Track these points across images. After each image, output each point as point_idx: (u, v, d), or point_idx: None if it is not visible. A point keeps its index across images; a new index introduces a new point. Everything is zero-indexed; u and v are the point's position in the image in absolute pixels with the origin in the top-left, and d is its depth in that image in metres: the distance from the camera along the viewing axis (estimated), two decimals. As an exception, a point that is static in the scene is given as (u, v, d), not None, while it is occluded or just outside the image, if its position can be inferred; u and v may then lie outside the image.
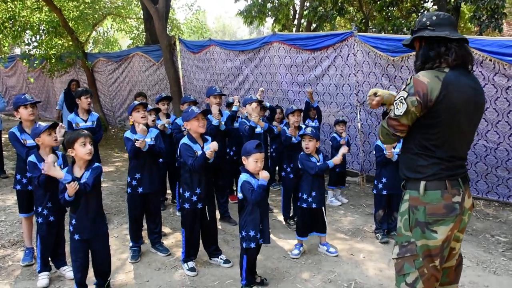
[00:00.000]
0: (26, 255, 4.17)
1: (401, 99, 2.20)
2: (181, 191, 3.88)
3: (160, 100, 5.46)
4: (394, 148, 4.49)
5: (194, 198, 3.80)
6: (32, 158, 3.50)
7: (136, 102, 4.15)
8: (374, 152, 4.80)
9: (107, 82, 11.44)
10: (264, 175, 3.35)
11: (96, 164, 3.30)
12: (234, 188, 6.06)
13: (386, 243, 4.59)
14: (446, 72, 2.18)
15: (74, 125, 4.83)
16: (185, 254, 3.96)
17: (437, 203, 2.17)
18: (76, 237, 3.24)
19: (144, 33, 11.99)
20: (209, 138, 3.94)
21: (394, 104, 2.25)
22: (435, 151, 2.20)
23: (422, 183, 2.21)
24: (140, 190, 4.13)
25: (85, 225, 3.23)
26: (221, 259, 4.09)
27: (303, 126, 4.92)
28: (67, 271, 3.82)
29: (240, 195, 3.47)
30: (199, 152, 3.71)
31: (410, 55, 5.47)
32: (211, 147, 3.66)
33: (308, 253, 4.37)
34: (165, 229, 4.94)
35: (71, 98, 8.14)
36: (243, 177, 3.43)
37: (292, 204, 5.17)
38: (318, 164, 4.20)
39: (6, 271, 3.99)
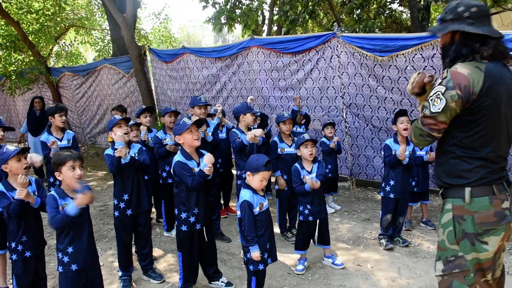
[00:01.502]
0: None
1: (438, 94, 1.96)
2: (176, 212, 3.53)
3: (141, 113, 5.07)
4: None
5: (192, 219, 3.46)
6: None
7: (117, 117, 3.77)
8: (382, 153, 4.58)
9: (74, 98, 10.84)
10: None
11: (84, 184, 2.94)
12: (221, 202, 5.75)
13: (391, 249, 4.39)
14: (485, 62, 1.96)
15: (48, 145, 4.40)
16: (183, 281, 3.61)
17: (486, 211, 1.94)
18: (73, 267, 2.90)
19: (111, 44, 11.47)
20: (204, 152, 3.61)
21: (430, 100, 2.00)
22: (481, 151, 1.97)
23: (468, 190, 1.97)
24: (129, 212, 3.76)
25: (83, 252, 2.93)
26: (222, 282, 3.77)
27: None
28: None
29: (239, 213, 3.19)
30: (196, 169, 3.38)
31: (399, 54, 5.35)
32: (207, 162, 3.35)
33: (312, 267, 4.12)
34: (155, 252, 4.54)
35: (35, 119, 7.37)
36: (245, 195, 3.16)
37: (287, 216, 4.90)
38: (299, 184, 3.94)
39: (-22, 317, 3.51)
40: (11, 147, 3.19)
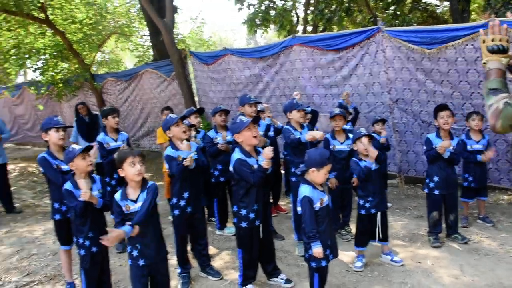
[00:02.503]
0: None
1: None
2: (235, 209, 3.57)
3: (192, 114, 5.14)
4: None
5: (252, 215, 3.48)
6: (68, 185, 3.24)
7: (172, 116, 3.85)
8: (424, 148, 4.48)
9: (118, 102, 11.13)
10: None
11: (150, 182, 3.07)
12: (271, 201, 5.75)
13: (438, 247, 4.27)
14: None
15: (105, 146, 4.57)
16: (243, 277, 3.65)
17: None
18: (141, 262, 3.00)
19: (150, 50, 11.71)
20: (261, 149, 3.63)
21: None
22: None
23: None
24: (189, 209, 3.83)
25: (151, 249, 3.04)
26: (281, 279, 3.77)
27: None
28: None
29: (299, 209, 3.17)
30: (255, 166, 3.40)
31: (448, 46, 5.19)
32: (265, 155, 3.37)
33: (370, 264, 4.07)
34: (209, 251, 4.59)
35: (84, 123, 7.24)
36: (305, 190, 3.14)
37: (341, 213, 4.86)
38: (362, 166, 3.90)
39: (50, 311, 3.65)
40: (77, 147, 3.31)
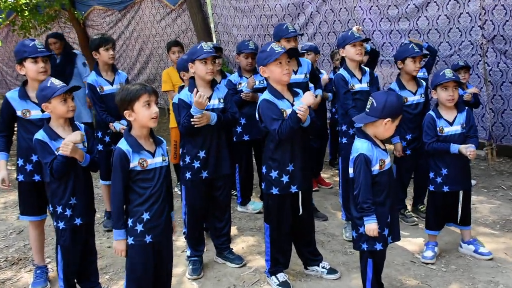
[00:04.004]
0: (37, 277, 3.95)
1: None
2: (264, 170, 3.59)
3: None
4: None
5: (285, 178, 3.50)
6: (40, 135, 3.25)
7: (205, 47, 3.75)
8: None
9: (108, 40, 11.25)
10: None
11: (158, 137, 3.12)
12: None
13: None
14: None
15: (98, 89, 4.60)
16: (271, 263, 3.70)
17: None
18: (148, 239, 3.02)
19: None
20: (299, 91, 3.58)
21: None
22: None
23: None
24: (204, 174, 3.86)
25: (160, 221, 3.04)
26: (323, 268, 3.81)
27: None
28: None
29: (351, 171, 3.18)
30: (288, 111, 3.39)
31: None
32: (305, 100, 3.34)
33: (445, 256, 4.07)
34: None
35: (55, 67, 6.06)
36: (361, 146, 3.12)
37: (413, 188, 4.91)
38: (434, 140, 3.86)
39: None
40: (57, 82, 3.32)
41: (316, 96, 3.82)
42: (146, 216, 2.97)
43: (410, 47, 4.47)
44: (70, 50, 6.89)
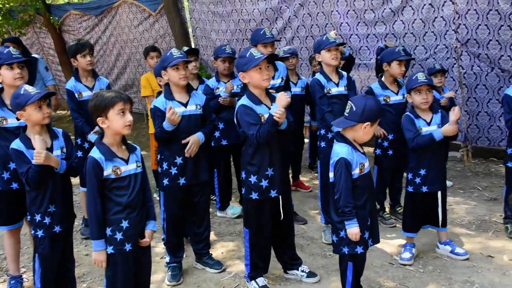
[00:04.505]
0: (11, 287, 3.91)
1: None
2: (243, 176, 3.60)
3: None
4: None
5: (265, 183, 3.51)
6: (16, 144, 3.21)
7: (175, 53, 3.77)
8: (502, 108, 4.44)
9: (84, 45, 11.17)
10: None
11: (131, 144, 3.12)
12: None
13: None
14: None
15: (76, 95, 4.55)
16: (250, 267, 3.70)
17: None
18: (128, 247, 3.00)
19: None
20: (276, 95, 3.61)
21: None
22: None
23: None
24: (182, 181, 3.86)
25: (139, 228, 3.04)
26: (302, 271, 3.83)
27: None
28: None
29: (331, 175, 3.19)
30: (266, 116, 3.40)
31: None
32: (279, 102, 3.36)
33: (423, 257, 4.12)
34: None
35: None
36: (341, 150, 3.14)
37: (390, 191, 4.96)
38: (422, 132, 3.90)
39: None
40: (30, 89, 3.28)
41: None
42: (125, 224, 2.95)
43: (397, 50, 4.53)
44: (29, 55, 6.73)
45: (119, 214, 2.95)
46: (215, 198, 5.31)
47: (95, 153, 2.91)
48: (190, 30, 9.22)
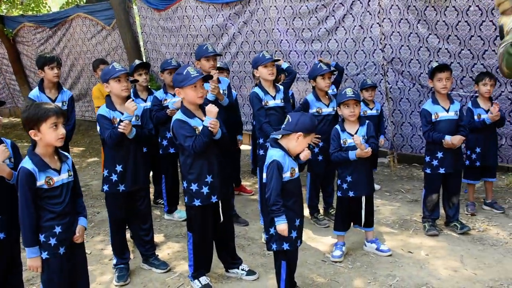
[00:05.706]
0: None
1: None
2: (184, 185, 3.59)
3: (135, 70, 5.05)
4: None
5: (206, 190, 3.51)
6: None
7: (117, 67, 3.76)
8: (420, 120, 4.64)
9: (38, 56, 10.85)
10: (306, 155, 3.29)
11: (63, 153, 3.04)
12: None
13: (434, 236, 4.44)
14: None
15: None
16: (194, 267, 3.70)
17: None
18: (62, 250, 2.93)
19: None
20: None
21: None
22: None
23: None
24: (121, 188, 3.82)
25: (71, 231, 2.98)
26: (243, 270, 3.84)
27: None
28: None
29: (265, 176, 3.24)
30: (200, 128, 3.44)
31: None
32: (209, 113, 3.40)
33: (352, 254, 4.20)
34: (155, 238, 4.58)
35: None
36: (275, 154, 3.21)
37: (322, 195, 5.04)
38: (337, 150, 4.04)
39: None
40: None
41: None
42: (58, 229, 2.90)
43: (318, 66, 4.64)
44: None
45: (52, 221, 2.89)
46: (163, 202, 5.26)
47: (27, 163, 2.82)
48: (141, 43, 9.14)
